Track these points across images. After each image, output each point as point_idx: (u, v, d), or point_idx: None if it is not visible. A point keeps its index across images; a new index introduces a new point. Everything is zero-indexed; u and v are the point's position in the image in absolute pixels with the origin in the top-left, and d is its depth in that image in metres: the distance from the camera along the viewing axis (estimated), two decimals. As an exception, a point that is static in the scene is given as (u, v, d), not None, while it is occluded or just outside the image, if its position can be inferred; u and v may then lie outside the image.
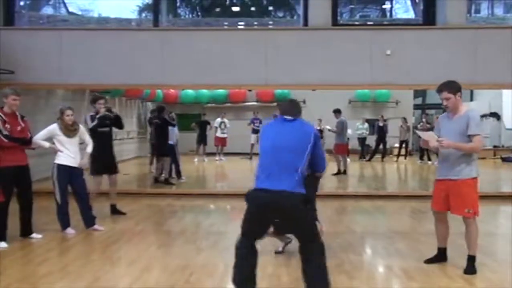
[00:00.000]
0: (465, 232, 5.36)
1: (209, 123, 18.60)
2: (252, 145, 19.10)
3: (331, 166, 14.17)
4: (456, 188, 5.26)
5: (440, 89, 5.32)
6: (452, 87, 5.29)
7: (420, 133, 5.80)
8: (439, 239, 5.64)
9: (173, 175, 12.45)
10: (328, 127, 15.17)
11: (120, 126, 8.64)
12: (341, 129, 14.21)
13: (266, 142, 4.20)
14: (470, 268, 5.30)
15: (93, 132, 8.01)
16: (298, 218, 4.03)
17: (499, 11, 18.45)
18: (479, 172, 5.36)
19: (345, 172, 14.17)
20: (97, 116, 8.03)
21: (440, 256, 5.64)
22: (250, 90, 19.49)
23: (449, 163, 5.31)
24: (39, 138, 6.89)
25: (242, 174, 14.68)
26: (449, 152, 5.28)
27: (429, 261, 5.63)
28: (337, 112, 14.50)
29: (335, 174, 13.83)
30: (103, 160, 8.11)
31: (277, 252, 5.78)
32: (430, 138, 5.41)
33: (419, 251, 6.18)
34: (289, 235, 5.39)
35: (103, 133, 8.12)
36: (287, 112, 4.33)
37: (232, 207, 9.58)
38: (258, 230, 4.15)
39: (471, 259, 5.34)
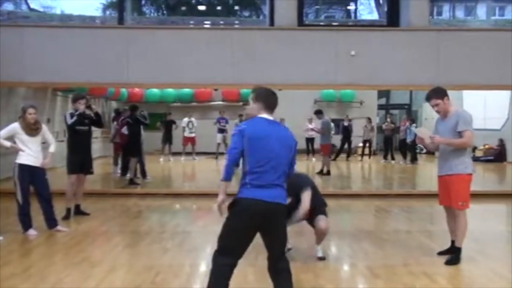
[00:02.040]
0: (455, 223, 5.66)
1: (174, 123, 18.41)
2: (218, 144, 19.03)
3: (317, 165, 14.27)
4: (451, 182, 5.58)
5: (428, 97, 5.72)
6: (438, 93, 5.68)
7: (416, 130, 6.22)
8: (451, 233, 5.86)
9: (138, 174, 12.34)
10: (310, 126, 15.16)
11: (100, 124, 8.61)
12: (326, 129, 14.25)
13: (260, 152, 3.87)
14: (454, 258, 5.58)
15: (71, 130, 7.97)
16: (282, 229, 4.01)
17: (460, 13, 18.96)
18: (475, 169, 5.66)
19: (328, 172, 14.09)
20: (76, 113, 7.93)
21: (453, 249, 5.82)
22: (216, 90, 19.46)
23: (444, 159, 5.67)
24: (0, 137, 6.72)
25: (208, 174, 14.68)
26: (443, 149, 5.67)
27: (442, 253, 5.82)
28: (319, 113, 14.49)
29: (318, 173, 13.92)
30: (80, 159, 8.04)
31: None
32: (424, 134, 5.83)
33: (383, 249, 6.28)
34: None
35: (81, 132, 8.04)
36: (272, 107, 4.03)
37: (198, 207, 9.50)
38: (244, 243, 3.90)
39: (457, 251, 5.63)
